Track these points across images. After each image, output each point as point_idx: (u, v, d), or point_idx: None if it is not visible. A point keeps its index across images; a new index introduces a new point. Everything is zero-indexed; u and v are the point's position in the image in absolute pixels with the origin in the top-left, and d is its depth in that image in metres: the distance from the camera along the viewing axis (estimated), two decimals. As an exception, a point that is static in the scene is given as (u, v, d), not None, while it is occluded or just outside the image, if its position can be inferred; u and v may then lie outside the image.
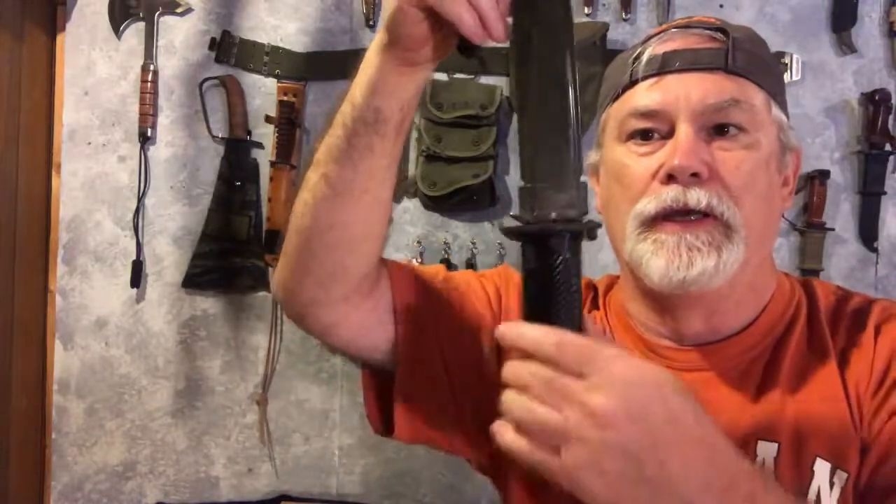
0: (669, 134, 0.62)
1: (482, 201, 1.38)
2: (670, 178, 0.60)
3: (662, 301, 0.66)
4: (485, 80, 1.40)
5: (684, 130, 0.60)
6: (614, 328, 0.73)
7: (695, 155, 0.59)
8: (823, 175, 1.34)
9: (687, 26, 0.67)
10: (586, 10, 1.38)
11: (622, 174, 0.65)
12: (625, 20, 1.38)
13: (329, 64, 1.42)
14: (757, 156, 0.62)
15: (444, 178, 1.36)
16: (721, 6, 1.38)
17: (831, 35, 1.37)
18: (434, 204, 1.39)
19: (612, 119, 0.68)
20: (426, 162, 1.37)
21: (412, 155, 1.41)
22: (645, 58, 0.65)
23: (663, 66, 0.63)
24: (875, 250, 1.36)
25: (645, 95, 0.64)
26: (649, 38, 0.67)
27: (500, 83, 1.39)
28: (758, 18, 1.38)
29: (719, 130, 0.62)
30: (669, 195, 0.60)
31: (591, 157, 0.73)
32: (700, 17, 0.69)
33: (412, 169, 1.41)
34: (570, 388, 0.42)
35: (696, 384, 0.64)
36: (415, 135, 1.41)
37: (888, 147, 1.34)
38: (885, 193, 1.36)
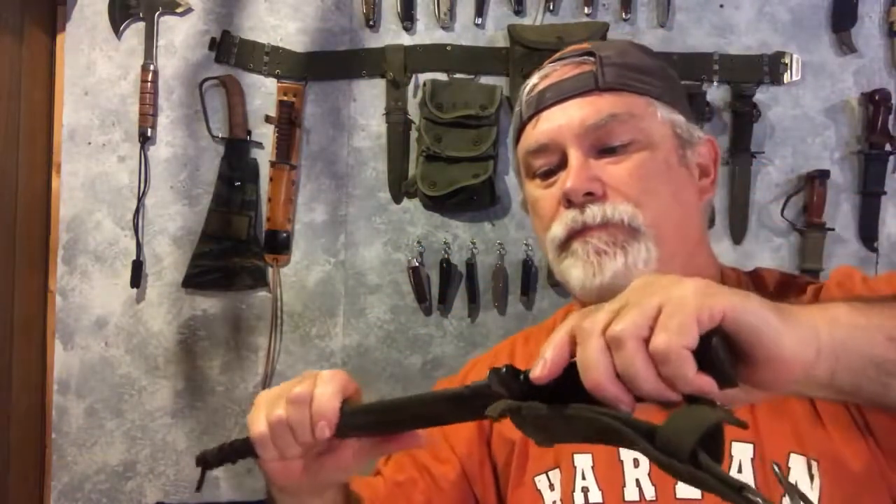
0: (565, 162, 0.67)
1: (482, 201, 1.38)
2: (570, 202, 0.65)
3: None
4: (485, 79, 1.40)
5: (573, 155, 0.65)
6: None
7: (584, 177, 0.64)
8: (823, 175, 1.34)
9: (560, 58, 0.72)
10: (586, 10, 1.38)
11: (536, 207, 0.71)
12: (625, 20, 1.38)
13: (329, 64, 1.42)
14: (650, 160, 0.66)
15: (444, 178, 1.36)
16: (721, 6, 1.38)
17: (831, 35, 1.37)
18: (434, 204, 1.39)
19: (520, 159, 0.74)
20: (426, 162, 1.37)
21: (412, 155, 1.41)
22: (525, 100, 0.71)
23: (540, 103, 0.69)
24: (875, 250, 1.36)
25: (531, 134, 0.69)
26: (532, 78, 0.73)
27: (500, 83, 1.39)
28: (758, 18, 1.38)
29: (608, 146, 0.66)
30: (569, 217, 0.65)
31: (521, 193, 0.79)
32: (573, 47, 0.73)
33: (412, 169, 1.41)
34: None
35: None
36: (415, 135, 1.41)
37: (888, 147, 1.34)
38: (885, 193, 1.36)
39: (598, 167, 0.65)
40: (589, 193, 0.64)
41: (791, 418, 0.61)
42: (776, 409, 0.61)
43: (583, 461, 0.67)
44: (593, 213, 0.64)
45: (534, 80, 0.71)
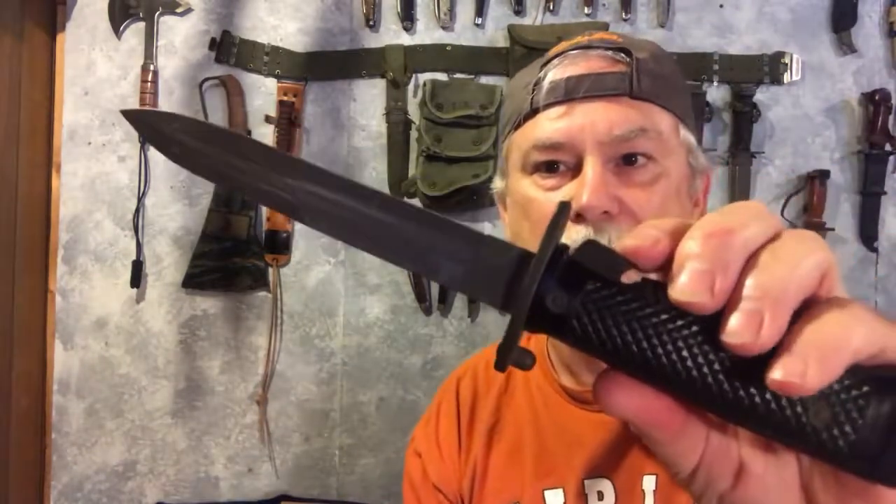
0: (576, 166, 0.59)
1: (482, 201, 1.38)
2: (580, 217, 0.56)
3: None
4: (485, 80, 1.40)
5: (592, 165, 0.57)
6: (535, 376, 0.71)
7: (604, 192, 0.56)
8: (823, 175, 1.34)
9: (588, 46, 0.62)
10: (586, 10, 1.38)
11: (529, 209, 0.61)
12: (625, 20, 1.38)
13: (329, 64, 1.42)
14: (666, 185, 0.60)
15: (444, 178, 1.36)
16: (721, 6, 1.38)
17: (831, 35, 1.37)
18: (434, 204, 1.39)
19: (515, 148, 0.64)
20: (426, 162, 1.37)
21: (412, 155, 1.41)
22: (546, 84, 0.60)
23: (566, 94, 0.59)
24: (875, 250, 1.36)
25: (548, 126, 0.60)
26: (549, 59, 0.63)
27: (500, 83, 1.39)
28: (758, 18, 1.38)
29: (627, 160, 0.59)
30: (580, 236, 0.56)
31: (496, 183, 0.70)
32: (601, 35, 0.65)
33: (412, 169, 1.41)
34: None
35: (616, 422, 0.62)
36: (415, 135, 1.41)
37: (888, 147, 1.34)
38: (885, 193, 1.36)
39: (616, 185, 0.58)
40: (605, 212, 0.56)
41: None
42: None
43: (554, 498, 0.64)
44: (609, 236, 0.56)
45: (556, 63, 0.61)
